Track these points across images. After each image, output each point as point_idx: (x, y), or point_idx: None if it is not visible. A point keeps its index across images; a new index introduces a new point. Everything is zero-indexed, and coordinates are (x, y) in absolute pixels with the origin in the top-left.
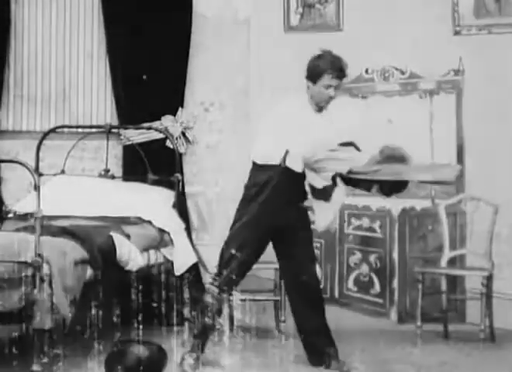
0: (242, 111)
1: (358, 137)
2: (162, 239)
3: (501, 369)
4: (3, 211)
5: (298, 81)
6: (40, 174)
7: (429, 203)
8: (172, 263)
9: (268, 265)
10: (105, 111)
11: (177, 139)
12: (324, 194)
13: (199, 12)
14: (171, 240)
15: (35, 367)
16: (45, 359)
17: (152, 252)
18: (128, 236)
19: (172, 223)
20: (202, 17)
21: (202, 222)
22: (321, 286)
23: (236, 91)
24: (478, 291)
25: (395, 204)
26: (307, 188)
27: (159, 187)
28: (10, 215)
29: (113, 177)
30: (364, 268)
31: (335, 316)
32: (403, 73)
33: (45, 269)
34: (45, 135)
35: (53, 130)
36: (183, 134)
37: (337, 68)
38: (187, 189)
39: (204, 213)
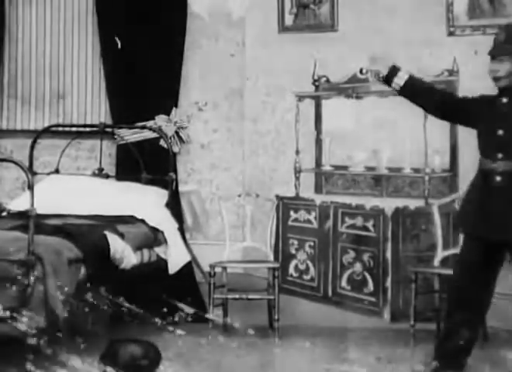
0: (236, 111)
1: (351, 137)
2: (156, 238)
3: (494, 368)
4: None
5: (292, 81)
6: (34, 173)
7: (422, 202)
8: (166, 262)
9: (261, 264)
10: (99, 110)
11: (171, 138)
12: None
13: (194, 12)
14: (165, 239)
15: (28, 366)
16: (38, 358)
17: (146, 251)
18: (122, 235)
19: (166, 222)
20: (197, 17)
21: (195, 221)
22: None
23: (231, 91)
24: None
25: (388, 204)
26: None
27: (153, 187)
28: (4, 214)
29: (107, 176)
30: (358, 267)
31: (328, 315)
32: None
33: (39, 268)
34: (39, 134)
35: (47, 129)
36: (177, 133)
37: None
38: (181, 188)
39: (198, 212)
